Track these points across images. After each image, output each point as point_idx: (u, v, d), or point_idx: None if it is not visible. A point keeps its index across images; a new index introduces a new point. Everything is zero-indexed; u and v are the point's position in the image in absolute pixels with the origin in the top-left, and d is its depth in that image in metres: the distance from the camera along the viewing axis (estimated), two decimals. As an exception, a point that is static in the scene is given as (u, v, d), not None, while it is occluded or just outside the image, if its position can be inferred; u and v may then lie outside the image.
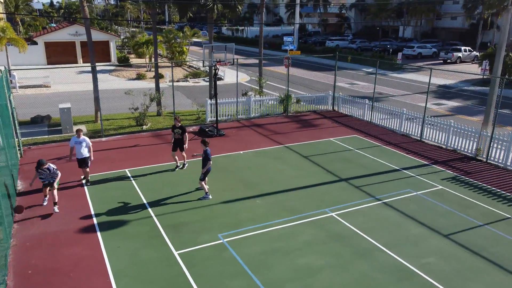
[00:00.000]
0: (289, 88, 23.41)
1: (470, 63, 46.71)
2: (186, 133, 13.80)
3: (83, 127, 18.72)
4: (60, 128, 17.98)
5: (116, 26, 66.06)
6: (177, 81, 32.87)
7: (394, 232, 10.19)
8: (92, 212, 10.92)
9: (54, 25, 60.49)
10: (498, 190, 12.72)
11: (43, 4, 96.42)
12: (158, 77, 20.95)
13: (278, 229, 10.24)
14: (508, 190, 12.74)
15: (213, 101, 18.53)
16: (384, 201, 11.82)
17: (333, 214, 11.01)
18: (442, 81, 35.12)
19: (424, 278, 8.48)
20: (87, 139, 12.44)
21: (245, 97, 21.42)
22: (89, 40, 18.61)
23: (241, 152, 15.73)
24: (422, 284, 8.29)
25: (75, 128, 18.32)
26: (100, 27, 56.41)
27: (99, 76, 34.57)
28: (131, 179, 13.07)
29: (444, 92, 30.13)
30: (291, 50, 22.83)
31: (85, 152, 12.33)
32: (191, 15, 30.17)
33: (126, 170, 13.80)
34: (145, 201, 11.57)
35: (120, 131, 18.21)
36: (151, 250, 9.23)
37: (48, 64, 39.09)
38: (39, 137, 17.06)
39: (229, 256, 9.07)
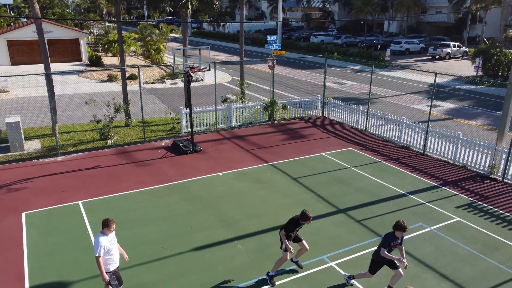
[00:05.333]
0: (275, 90, 21.17)
1: (460, 59, 45.21)
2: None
3: (37, 143, 16.14)
4: (8, 145, 15.35)
5: (90, 22, 62.56)
6: (153, 82, 30.26)
7: (410, 289, 8.07)
8: (26, 271, 8.49)
9: (25, 20, 56.70)
10: (523, 220, 10.76)
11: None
12: (125, 84, 18.44)
13: (264, 290, 8.02)
14: (534, 219, 10.79)
15: (188, 111, 16.15)
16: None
17: (332, 264, 8.83)
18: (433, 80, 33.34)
19: None
20: (98, 239, 7.08)
21: (225, 104, 19.10)
22: (41, 42, 15.96)
23: (220, 173, 13.43)
24: None
25: (27, 144, 15.74)
26: (75, 24, 52.92)
27: (66, 78, 31.75)
28: (84, 216, 10.65)
29: (437, 92, 28.28)
30: (276, 50, 20.57)
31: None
32: (171, 9, 27.63)
33: (80, 202, 11.37)
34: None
35: (79, 147, 15.68)
36: (95, 334, 6.91)
37: (12, 65, 35.92)
38: (-20, 157, 14.46)
39: None
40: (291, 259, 8.71)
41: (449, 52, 44.66)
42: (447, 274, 8.54)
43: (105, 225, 6.95)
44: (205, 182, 12.78)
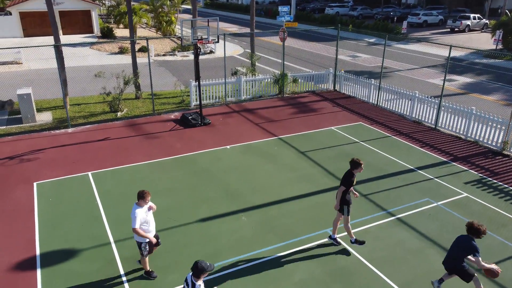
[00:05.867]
0: (286, 63, 20.89)
1: (480, 32, 43.67)
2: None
3: (48, 114, 16.35)
4: (20, 116, 15.58)
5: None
6: (164, 55, 30.11)
7: (412, 265, 8.09)
8: (37, 238, 8.76)
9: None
10: (533, 197, 10.59)
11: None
12: (135, 56, 18.34)
13: (265, 262, 8.12)
14: (545, 197, 10.61)
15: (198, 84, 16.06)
16: (397, 216, 9.67)
17: (336, 236, 8.87)
18: (452, 53, 32.38)
19: None
20: (134, 211, 7.18)
21: (235, 77, 18.93)
22: (50, 13, 15.89)
23: (228, 147, 13.46)
24: None
25: (38, 116, 15.96)
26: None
27: (78, 50, 31.78)
28: (93, 187, 10.85)
29: (453, 66, 27.53)
30: (288, 21, 20.11)
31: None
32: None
33: (89, 173, 11.57)
34: (105, 220, 9.40)
35: (90, 120, 15.84)
36: (101, 300, 7.15)
37: (25, 36, 36.03)
38: (-6, 128, 14.75)
39: (201, 308, 6.99)
40: (329, 237, 8.74)
41: (468, 25, 43.13)
42: (450, 250, 8.51)
43: (141, 197, 7.07)
44: (212, 155, 12.83)
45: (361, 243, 8.41)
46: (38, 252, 8.31)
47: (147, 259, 7.54)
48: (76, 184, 10.96)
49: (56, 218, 9.44)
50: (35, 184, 10.93)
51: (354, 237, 8.45)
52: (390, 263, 8.09)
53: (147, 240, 7.29)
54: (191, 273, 5.48)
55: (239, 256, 8.26)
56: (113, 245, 8.57)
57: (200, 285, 5.41)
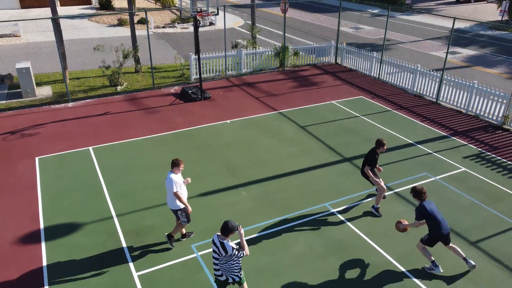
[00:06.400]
0: (287, 35, 20.60)
1: (486, 2, 42.70)
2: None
3: (48, 88, 16.30)
4: (20, 91, 15.54)
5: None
6: (163, 27, 29.67)
7: (409, 238, 8.25)
8: (40, 212, 8.93)
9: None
10: (531, 171, 10.66)
11: None
12: (134, 28, 18.05)
13: (265, 235, 8.29)
14: (543, 171, 10.68)
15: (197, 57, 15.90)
16: (395, 190, 9.78)
17: (334, 211, 9.02)
18: (456, 25, 31.79)
19: (449, 309, 6.65)
20: (171, 176, 7.44)
21: (236, 50, 18.72)
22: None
23: (228, 121, 13.47)
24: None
25: (38, 90, 15.91)
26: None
27: (76, 22, 31.28)
28: (95, 161, 10.95)
29: (457, 38, 27.11)
30: (289, -8, 19.74)
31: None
32: None
33: (90, 148, 11.65)
34: (107, 194, 9.55)
35: (90, 94, 15.80)
36: (104, 272, 7.33)
37: (22, 8, 35.40)
38: (-6, 103, 14.74)
39: (203, 280, 7.20)
40: (372, 207, 9.06)
41: (475, -6, 42.12)
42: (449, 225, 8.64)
43: (175, 165, 7.42)
44: (212, 129, 12.87)
45: (378, 215, 8.88)
46: (42, 226, 8.49)
47: (184, 228, 7.88)
48: (78, 158, 11.06)
49: (59, 193, 9.58)
50: (37, 159, 11.03)
51: (378, 206, 8.95)
52: (387, 237, 8.25)
53: (183, 206, 7.49)
54: (217, 234, 5.81)
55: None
56: (115, 219, 8.73)
57: (228, 241, 5.74)
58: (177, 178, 7.38)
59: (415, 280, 7.21)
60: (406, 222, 7.48)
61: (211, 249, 7.81)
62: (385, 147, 8.58)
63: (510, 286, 7.13)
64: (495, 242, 8.16)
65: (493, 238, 8.25)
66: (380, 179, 8.85)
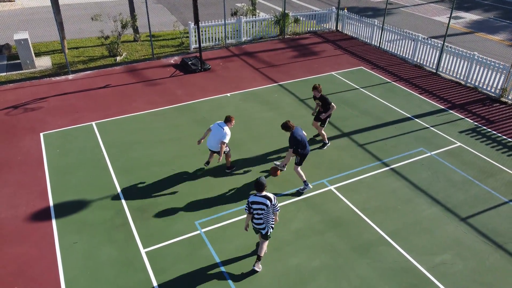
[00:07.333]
0: None
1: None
2: (331, 106, 10.19)
3: (47, 59, 16.25)
4: (20, 62, 15.52)
5: None
6: (161, -11, 28.88)
7: (402, 214, 8.65)
8: (49, 189, 9.28)
9: None
10: (525, 145, 10.93)
11: None
12: (131, -6, 17.71)
13: (266, 211, 8.68)
14: (536, 145, 10.96)
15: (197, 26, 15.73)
16: (391, 166, 10.09)
17: (331, 187, 9.37)
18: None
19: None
20: (226, 129, 8.98)
21: (235, 18, 18.46)
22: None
23: (228, 94, 13.58)
24: (434, 292, 6.98)
25: (38, 61, 15.87)
26: None
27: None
28: (98, 137, 11.19)
29: (461, 1, 26.54)
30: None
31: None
32: None
33: (93, 123, 11.86)
34: (112, 171, 9.86)
35: (90, 65, 15.78)
36: (113, 248, 7.76)
37: (14, -32, 34.25)
38: (-6, 75, 14.78)
39: (206, 255, 7.64)
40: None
41: (482, -48, 40.59)
42: (439, 199, 9.04)
43: (228, 121, 9.10)
44: (213, 103, 13.01)
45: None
46: (51, 202, 8.86)
47: (230, 158, 9.62)
48: (81, 134, 11.29)
49: (65, 169, 9.89)
50: (41, 134, 11.26)
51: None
52: (381, 213, 8.64)
53: (228, 149, 9.43)
54: (253, 194, 6.83)
55: (240, 206, 8.79)
56: (121, 195, 9.09)
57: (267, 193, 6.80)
58: (229, 131, 8.98)
59: (405, 254, 7.65)
60: (278, 163, 9.40)
61: (214, 226, 8.22)
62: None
63: (496, 260, 7.59)
64: (485, 217, 8.56)
65: (483, 213, 8.65)
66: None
